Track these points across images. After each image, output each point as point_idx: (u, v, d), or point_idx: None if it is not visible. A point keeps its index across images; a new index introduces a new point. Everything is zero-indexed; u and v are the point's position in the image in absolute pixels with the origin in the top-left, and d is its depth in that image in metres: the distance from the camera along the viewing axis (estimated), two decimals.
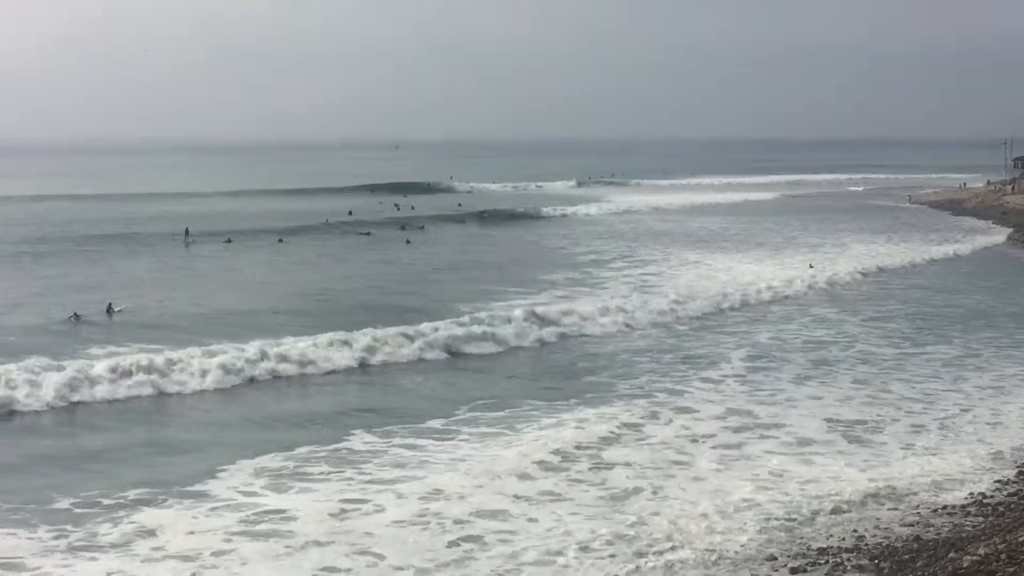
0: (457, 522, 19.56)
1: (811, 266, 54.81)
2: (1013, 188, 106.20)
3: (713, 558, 17.78)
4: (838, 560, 17.26)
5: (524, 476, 22.09)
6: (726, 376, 31.57)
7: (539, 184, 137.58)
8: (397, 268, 55.28)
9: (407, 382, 31.55)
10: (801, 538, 18.51)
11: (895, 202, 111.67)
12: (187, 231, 68.99)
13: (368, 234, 72.97)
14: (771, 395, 29.29)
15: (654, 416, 26.73)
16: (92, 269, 52.46)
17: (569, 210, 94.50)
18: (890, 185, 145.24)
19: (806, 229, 78.64)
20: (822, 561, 17.28)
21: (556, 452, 23.59)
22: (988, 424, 26.35)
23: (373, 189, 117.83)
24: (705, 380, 31.05)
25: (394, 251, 63.32)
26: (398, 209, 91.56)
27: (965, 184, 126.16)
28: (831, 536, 18.57)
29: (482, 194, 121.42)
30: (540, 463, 22.83)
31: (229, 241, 66.43)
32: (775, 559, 17.56)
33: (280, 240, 67.98)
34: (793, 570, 17.05)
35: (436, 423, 26.26)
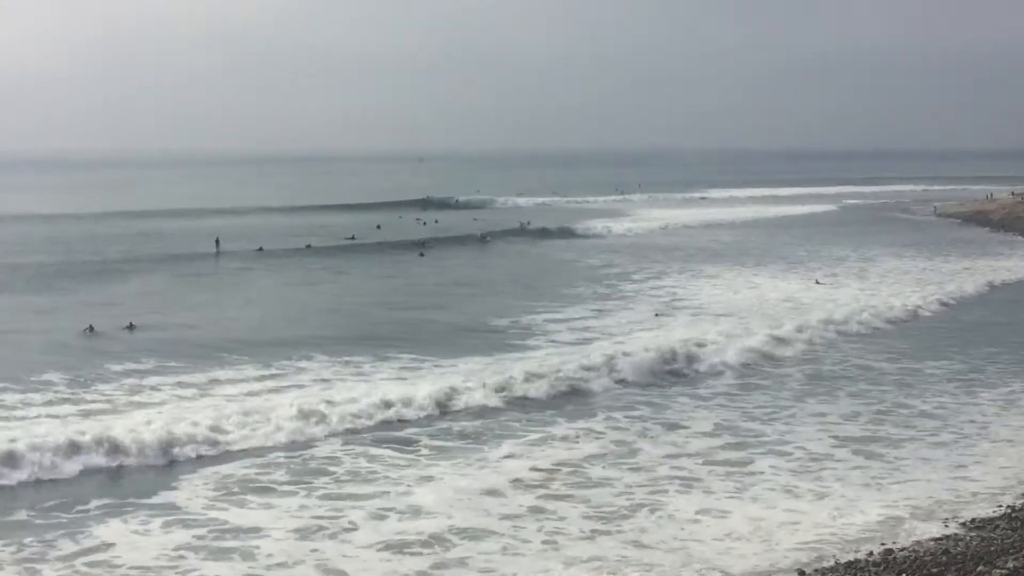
0: (436, 540, 19.47)
1: (817, 282, 54.02)
2: None
3: (737, 572, 17.86)
4: (866, 574, 17.26)
5: (506, 494, 21.98)
6: (717, 393, 31.31)
7: (570, 199, 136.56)
8: (424, 284, 55.15)
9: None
10: (829, 552, 18.53)
11: (921, 215, 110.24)
12: (217, 241, 69.95)
13: (423, 245, 73.35)
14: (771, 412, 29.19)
15: (643, 433, 26.66)
16: (118, 285, 52.66)
17: (594, 225, 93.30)
18: (916, 197, 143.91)
19: (835, 243, 77.24)
20: (851, 575, 17.28)
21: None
22: (1008, 440, 26.12)
23: (399, 204, 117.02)
24: (693, 396, 30.84)
25: (413, 267, 63.29)
26: (424, 224, 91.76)
27: (992, 195, 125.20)
28: (859, 550, 18.56)
29: (503, 209, 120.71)
30: (525, 479, 22.80)
31: (260, 250, 67.67)
32: (803, 573, 17.59)
33: (308, 246, 69.66)
34: None
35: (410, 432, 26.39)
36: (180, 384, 30.55)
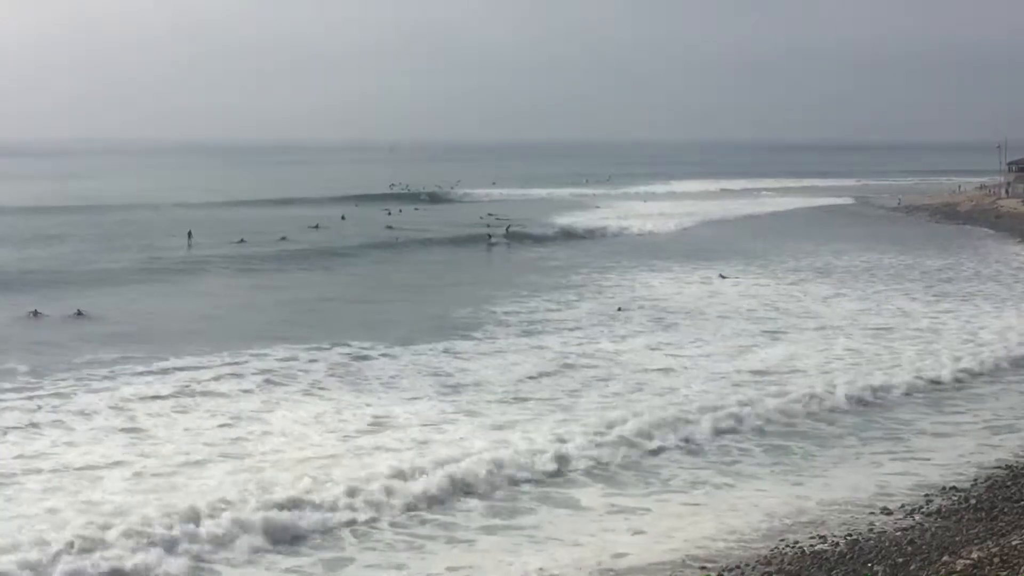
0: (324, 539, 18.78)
1: (722, 275, 52.84)
2: (1008, 192, 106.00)
3: (698, 563, 17.75)
4: (832, 564, 17.25)
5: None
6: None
7: (537, 189, 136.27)
8: (371, 281, 53.87)
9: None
10: (796, 543, 18.46)
11: (889, 208, 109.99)
12: (189, 234, 69.03)
13: (491, 239, 71.89)
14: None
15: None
16: (79, 277, 51.12)
17: (560, 220, 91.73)
18: (887, 190, 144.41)
19: (800, 237, 77.08)
20: (817, 564, 17.28)
21: None
22: (950, 432, 25.99)
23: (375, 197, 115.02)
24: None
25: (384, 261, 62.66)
26: (389, 214, 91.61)
27: (961, 187, 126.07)
28: (825, 540, 18.53)
29: (476, 202, 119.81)
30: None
31: (242, 241, 66.65)
32: (770, 564, 17.56)
33: (283, 238, 68.22)
34: (789, 574, 17.04)
35: None
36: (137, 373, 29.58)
